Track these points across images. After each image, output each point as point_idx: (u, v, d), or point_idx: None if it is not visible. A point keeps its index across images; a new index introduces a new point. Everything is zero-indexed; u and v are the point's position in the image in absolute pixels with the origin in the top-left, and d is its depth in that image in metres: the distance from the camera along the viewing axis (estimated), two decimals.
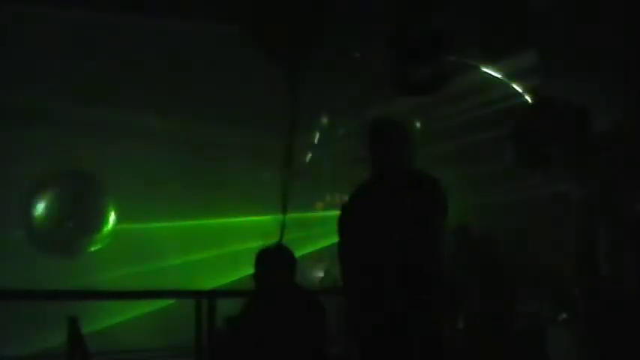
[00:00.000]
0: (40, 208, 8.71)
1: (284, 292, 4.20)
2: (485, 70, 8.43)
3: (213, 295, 5.68)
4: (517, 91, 8.48)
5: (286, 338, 4.07)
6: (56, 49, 7.78)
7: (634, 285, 5.96)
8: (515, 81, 8.38)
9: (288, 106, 6.60)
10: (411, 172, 4.09)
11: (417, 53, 5.95)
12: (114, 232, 9.26)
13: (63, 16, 7.17)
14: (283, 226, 6.77)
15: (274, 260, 4.26)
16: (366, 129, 4.17)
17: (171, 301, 8.72)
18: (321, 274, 11.13)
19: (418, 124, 10.34)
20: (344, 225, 4.09)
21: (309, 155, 11.52)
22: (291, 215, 11.16)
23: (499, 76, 8.39)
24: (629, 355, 5.73)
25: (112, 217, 9.16)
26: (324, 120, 10.93)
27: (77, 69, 8.17)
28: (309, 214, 11.16)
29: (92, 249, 9.13)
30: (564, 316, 6.93)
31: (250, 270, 4.27)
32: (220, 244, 10.86)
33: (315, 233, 11.13)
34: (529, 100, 8.22)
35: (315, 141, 11.27)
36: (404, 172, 4.04)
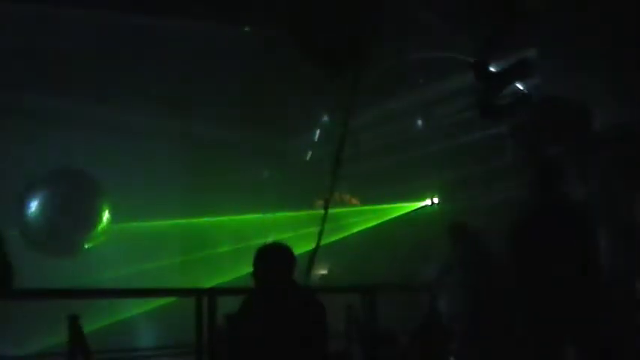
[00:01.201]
0: (34, 206, 8.72)
1: (284, 289, 4.21)
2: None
3: (214, 292, 5.70)
4: (518, 89, 8.47)
5: (286, 336, 4.08)
6: (55, 48, 7.78)
7: (632, 285, 5.97)
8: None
9: (342, 109, 6.79)
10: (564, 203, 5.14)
11: (502, 81, 6.55)
12: (108, 231, 9.26)
13: (64, 15, 7.17)
14: (324, 221, 6.95)
15: (274, 258, 4.26)
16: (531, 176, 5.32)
17: (171, 299, 8.74)
18: (323, 272, 11.15)
19: (420, 122, 10.36)
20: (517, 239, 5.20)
21: (310, 153, 11.54)
22: (291, 213, 11.22)
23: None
24: (628, 354, 5.74)
25: (106, 216, 9.16)
26: (325, 118, 10.94)
27: (76, 68, 8.18)
28: (310, 212, 11.17)
29: (86, 247, 9.13)
30: None
31: (250, 268, 4.28)
32: (220, 243, 10.88)
33: (315, 231, 11.13)
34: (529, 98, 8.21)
35: (316, 139, 11.28)
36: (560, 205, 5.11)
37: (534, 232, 5.12)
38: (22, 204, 8.79)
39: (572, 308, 4.79)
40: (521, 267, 5.18)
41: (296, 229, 10.64)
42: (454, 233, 7.35)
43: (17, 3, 7.05)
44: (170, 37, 7.75)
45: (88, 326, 4.80)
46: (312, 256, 6.87)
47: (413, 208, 11.24)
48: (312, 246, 10.71)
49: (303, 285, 4.46)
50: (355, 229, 11.47)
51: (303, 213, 11.10)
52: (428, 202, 11.16)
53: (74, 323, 4.64)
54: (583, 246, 4.89)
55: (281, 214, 11.30)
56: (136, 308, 9.67)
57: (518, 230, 5.25)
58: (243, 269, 5.04)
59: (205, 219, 10.77)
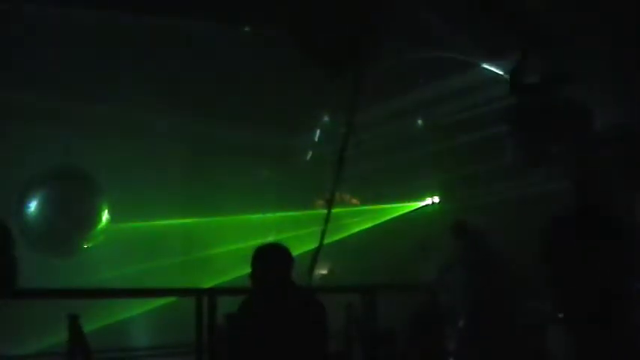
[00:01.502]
0: (33, 206, 8.70)
1: (283, 290, 4.20)
2: (486, 67, 8.42)
3: (214, 292, 5.70)
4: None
5: (286, 336, 4.08)
6: (56, 47, 7.79)
7: (632, 285, 5.97)
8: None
9: (346, 114, 6.86)
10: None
11: (538, 91, 6.68)
12: (107, 231, 9.24)
13: (65, 14, 7.18)
14: (327, 221, 7.00)
15: (272, 258, 4.25)
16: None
17: (172, 299, 8.75)
18: (323, 272, 11.14)
19: (420, 122, 10.36)
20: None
21: (310, 153, 11.53)
22: (292, 213, 11.22)
23: (501, 72, 8.36)
24: (628, 354, 5.74)
25: (105, 216, 9.13)
26: (326, 118, 10.94)
27: (77, 67, 8.18)
28: (310, 212, 11.18)
29: (85, 247, 9.11)
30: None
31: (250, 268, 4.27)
32: (220, 242, 10.87)
33: (316, 231, 11.13)
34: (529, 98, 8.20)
35: (316, 138, 11.27)
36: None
37: (566, 239, 5.35)
38: (22, 203, 8.77)
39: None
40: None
41: (296, 229, 10.64)
42: (455, 231, 7.36)
43: (19, 1, 7.05)
44: (171, 37, 7.75)
45: (88, 326, 4.81)
46: (315, 255, 6.88)
47: (413, 208, 11.25)
48: (313, 246, 10.73)
49: (303, 285, 4.46)
50: (356, 229, 11.47)
51: (303, 213, 11.11)
52: (428, 201, 11.17)
53: (74, 323, 4.65)
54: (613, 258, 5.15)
55: (281, 214, 11.31)
56: (136, 308, 9.67)
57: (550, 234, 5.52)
58: (244, 269, 5.04)
59: (205, 219, 10.77)
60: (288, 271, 4.21)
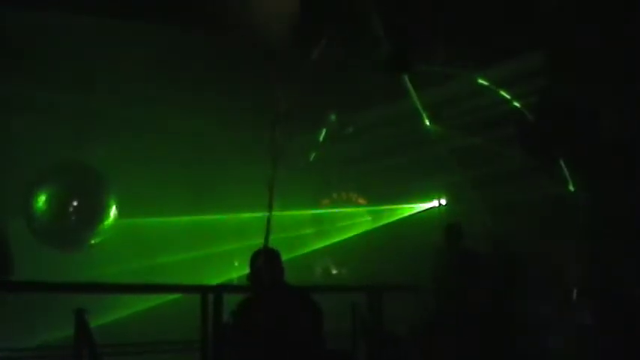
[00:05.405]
0: (42, 200, 8.72)
1: (279, 291, 4.29)
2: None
3: (220, 289, 5.73)
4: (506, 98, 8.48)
5: (283, 336, 4.13)
6: (64, 44, 7.85)
7: (636, 286, 5.97)
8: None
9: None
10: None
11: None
12: (115, 226, 9.26)
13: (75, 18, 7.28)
14: (267, 231, 7.02)
15: (268, 259, 4.37)
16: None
17: (177, 296, 8.77)
18: (318, 270, 11.16)
19: (428, 123, 10.35)
20: None
21: (313, 154, 11.49)
22: (298, 212, 11.23)
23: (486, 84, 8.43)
24: (631, 354, 5.75)
25: (113, 211, 9.15)
26: (332, 117, 10.92)
27: (84, 64, 8.24)
28: (316, 212, 11.20)
29: (93, 242, 9.13)
30: (567, 315, 6.96)
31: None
32: (226, 240, 10.89)
33: (321, 230, 11.15)
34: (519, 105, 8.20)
35: (321, 138, 11.25)
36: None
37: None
38: (31, 196, 8.79)
39: None
40: None
41: (301, 228, 10.66)
42: (449, 234, 7.33)
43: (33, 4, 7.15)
44: (177, 40, 7.84)
45: (94, 321, 4.84)
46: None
47: (420, 209, 11.25)
48: (318, 245, 10.75)
49: (298, 285, 4.54)
50: (362, 229, 11.47)
51: (308, 212, 11.12)
52: (435, 203, 11.16)
53: (80, 317, 4.67)
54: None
55: (287, 213, 11.32)
56: (143, 303, 9.69)
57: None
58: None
59: (211, 216, 10.78)
60: (278, 274, 4.35)
